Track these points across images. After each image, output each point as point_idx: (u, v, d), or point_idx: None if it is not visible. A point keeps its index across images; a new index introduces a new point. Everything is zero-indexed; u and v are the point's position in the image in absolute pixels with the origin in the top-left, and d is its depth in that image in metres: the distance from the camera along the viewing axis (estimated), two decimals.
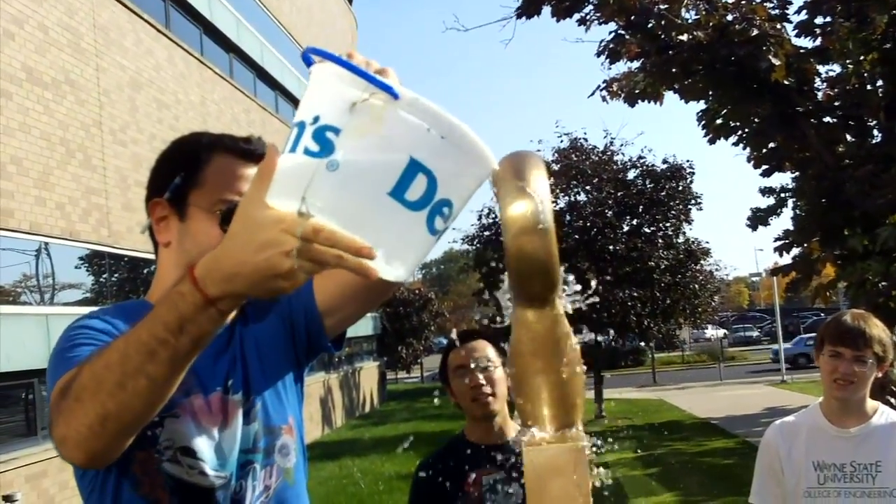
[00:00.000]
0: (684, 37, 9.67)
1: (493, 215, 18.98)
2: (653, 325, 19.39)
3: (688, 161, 19.69)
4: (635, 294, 17.90)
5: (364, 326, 23.86)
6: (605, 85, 11.26)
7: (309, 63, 0.93)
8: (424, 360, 35.67)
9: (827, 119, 10.42)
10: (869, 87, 10.04)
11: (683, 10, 9.99)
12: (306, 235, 0.88)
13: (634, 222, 19.35)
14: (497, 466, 2.32)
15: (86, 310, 1.56)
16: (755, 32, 9.46)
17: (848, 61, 9.58)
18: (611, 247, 18.20)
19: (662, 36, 9.90)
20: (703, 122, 11.23)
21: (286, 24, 19.44)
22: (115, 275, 10.73)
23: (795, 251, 11.07)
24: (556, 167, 18.68)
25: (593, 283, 0.98)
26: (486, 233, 19.54)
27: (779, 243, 11.04)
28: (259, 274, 0.93)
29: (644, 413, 18.98)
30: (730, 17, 9.83)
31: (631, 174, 19.63)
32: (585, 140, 19.69)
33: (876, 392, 2.60)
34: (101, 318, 1.39)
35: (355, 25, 28.35)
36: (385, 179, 0.86)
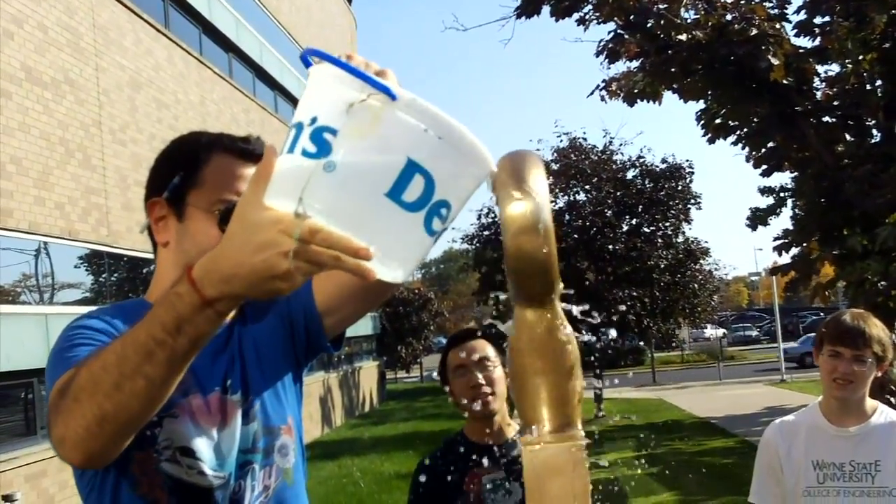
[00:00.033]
0: (683, 36, 9.68)
1: (493, 215, 18.95)
2: (652, 324, 19.39)
3: (687, 161, 19.70)
4: (635, 293, 17.89)
5: (363, 326, 23.86)
6: (604, 84, 11.27)
7: (307, 64, 0.93)
8: (424, 360, 35.66)
9: (826, 119, 10.43)
10: (868, 86, 10.04)
11: (683, 9, 10.00)
12: (304, 236, 0.88)
13: (634, 222, 19.34)
14: (496, 466, 2.32)
15: (85, 309, 1.56)
16: (754, 32, 9.47)
17: (847, 61, 9.59)
18: (610, 246, 18.19)
19: (661, 35, 9.90)
20: (703, 122, 11.24)
21: (285, 23, 19.44)
22: (115, 274, 10.72)
23: (795, 251, 11.09)
24: (555, 167, 18.69)
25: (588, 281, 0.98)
26: (486, 232, 19.52)
27: (778, 243, 11.05)
28: (257, 275, 0.93)
29: (643, 413, 18.97)
30: (729, 17, 9.84)
31: (630, 174, 19.61)
32: (585, 140, 19.67)
33: (875, 391, 2.60)
34: (100, 317, 1.39)
35: (354, 25, 28.35)
36: (382, 180, 0.86)
